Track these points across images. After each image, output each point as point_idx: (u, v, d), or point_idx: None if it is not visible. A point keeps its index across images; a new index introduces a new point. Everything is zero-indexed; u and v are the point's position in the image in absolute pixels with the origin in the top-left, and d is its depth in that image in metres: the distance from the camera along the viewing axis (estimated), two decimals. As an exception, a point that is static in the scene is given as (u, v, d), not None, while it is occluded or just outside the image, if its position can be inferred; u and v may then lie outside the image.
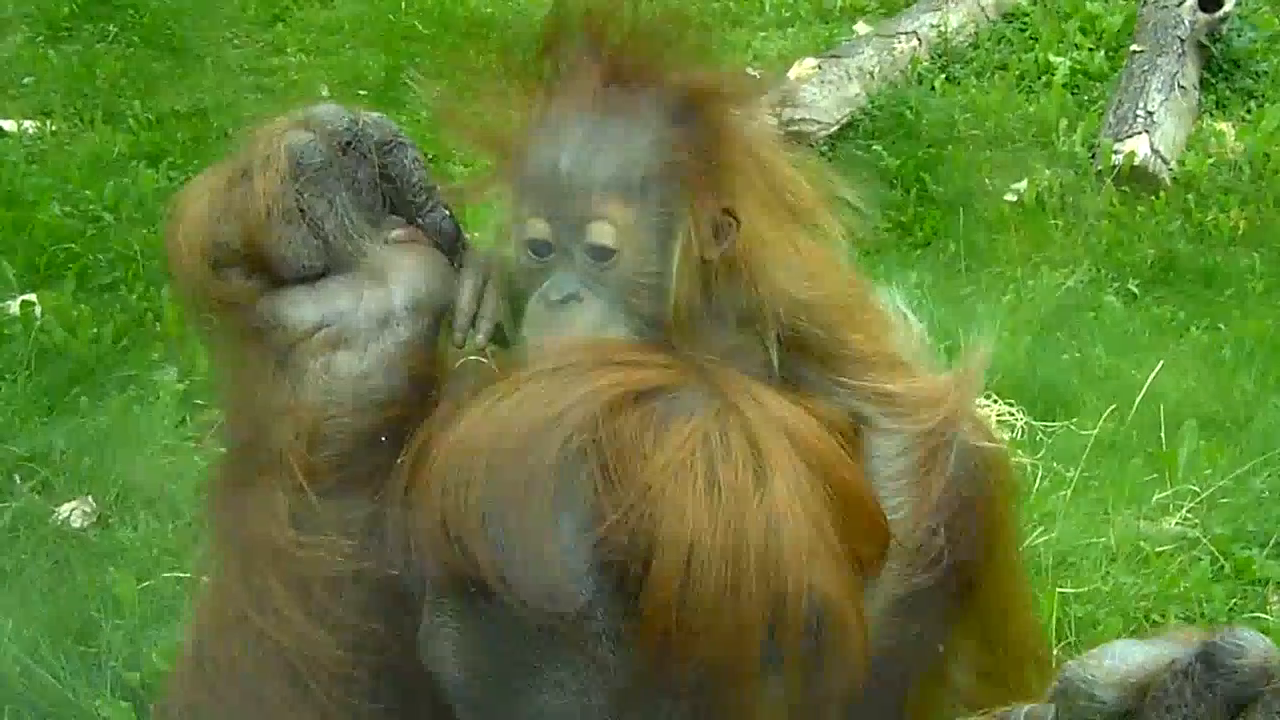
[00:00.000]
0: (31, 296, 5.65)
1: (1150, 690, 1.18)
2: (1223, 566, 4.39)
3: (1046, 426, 5.10)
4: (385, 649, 1.61)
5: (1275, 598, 4.34)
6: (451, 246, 1.73)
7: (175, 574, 4.06)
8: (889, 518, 1.56)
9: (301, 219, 1.61)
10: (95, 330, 5.48)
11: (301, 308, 1.62)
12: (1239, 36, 8.23)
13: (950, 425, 1.67)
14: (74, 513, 4.55)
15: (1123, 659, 1.20)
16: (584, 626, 1.40)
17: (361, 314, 1.63)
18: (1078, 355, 5.71)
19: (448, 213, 1.74)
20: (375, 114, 1.71)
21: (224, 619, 1.68)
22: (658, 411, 1.44)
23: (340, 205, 1.63)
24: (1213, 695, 1.14)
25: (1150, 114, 7.40)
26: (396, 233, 1.71)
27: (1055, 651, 3.85)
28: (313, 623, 1.61)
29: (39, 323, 5.48)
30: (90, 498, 4.62)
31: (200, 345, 1.79)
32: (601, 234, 1.57)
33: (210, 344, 1.74)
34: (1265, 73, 8.21)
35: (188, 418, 4.88)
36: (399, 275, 1.66)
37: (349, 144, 1.66)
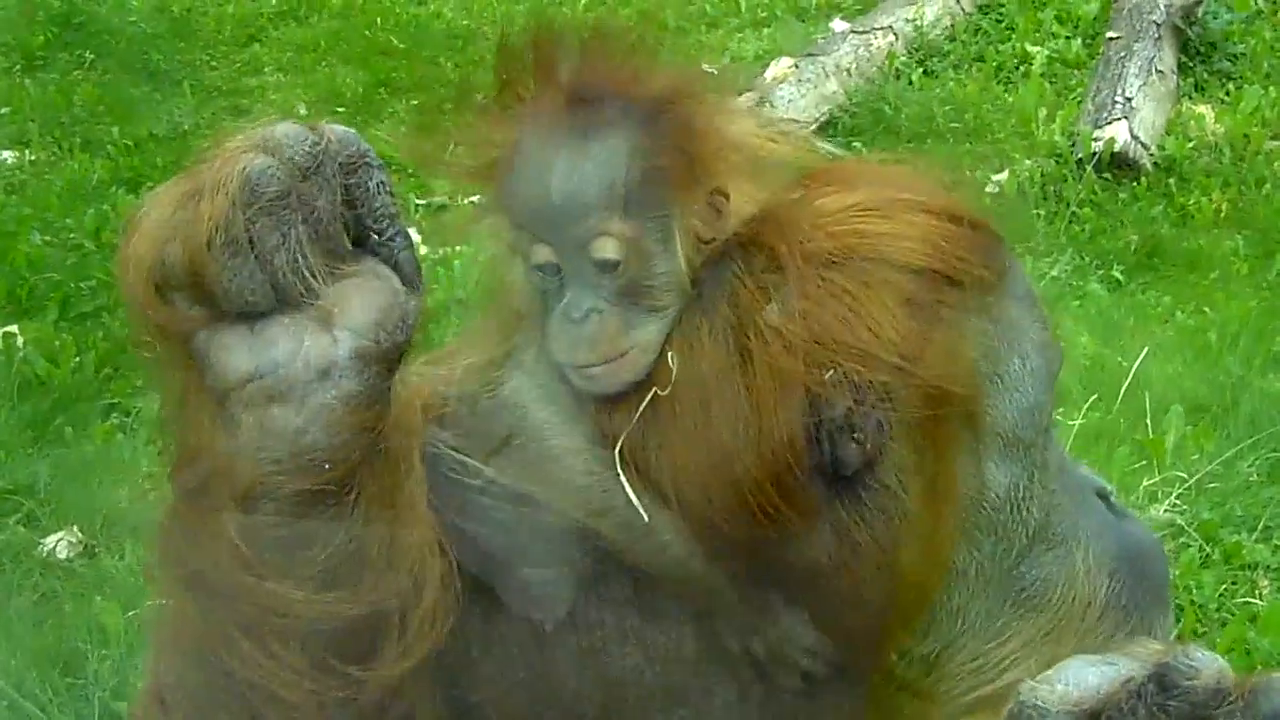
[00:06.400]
0: (13, 327, 5.65)
1: (1105, 712, 1.16)
2: (1211, 553, 4.38)
3: (1033, 418, 5.07)
4: (347, 686, 1.58)
5: (1265, 582, 4.32)
6: (409, 280, 1.60)
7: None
8: None
9: (249, 250, 1.48)
10: (77, 359, 5.48)
11: (234, 353, 1.50)
12: (1215, 19, 8.21)
13: None
14: (60, 544, 4.55)
15: (1077, 683, 1.19)
16: None
17: (300, 364, 1.49)
18: (1063, 344, 5.66)
19: (407, 244, 1.61)
20: (341, 129, 1.58)
21: (184, 654, 1.63)
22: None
23: (294, 239, 1.49)
24: (1166, 716, 1.13)
25: (1129, 100, 7.38)
26: (355, 267, 1.56)
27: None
28: (272, 661, 1.56)
29: (21, 354, 5.48)
30: (76, 528, 4.61)
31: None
32: (605, 249, 1.62)
33: (152, 372, 1.61)
34: (1243, 54, 8.20)
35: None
36: (347, 319, 1.52)
37: (310, 169, 1.52)
